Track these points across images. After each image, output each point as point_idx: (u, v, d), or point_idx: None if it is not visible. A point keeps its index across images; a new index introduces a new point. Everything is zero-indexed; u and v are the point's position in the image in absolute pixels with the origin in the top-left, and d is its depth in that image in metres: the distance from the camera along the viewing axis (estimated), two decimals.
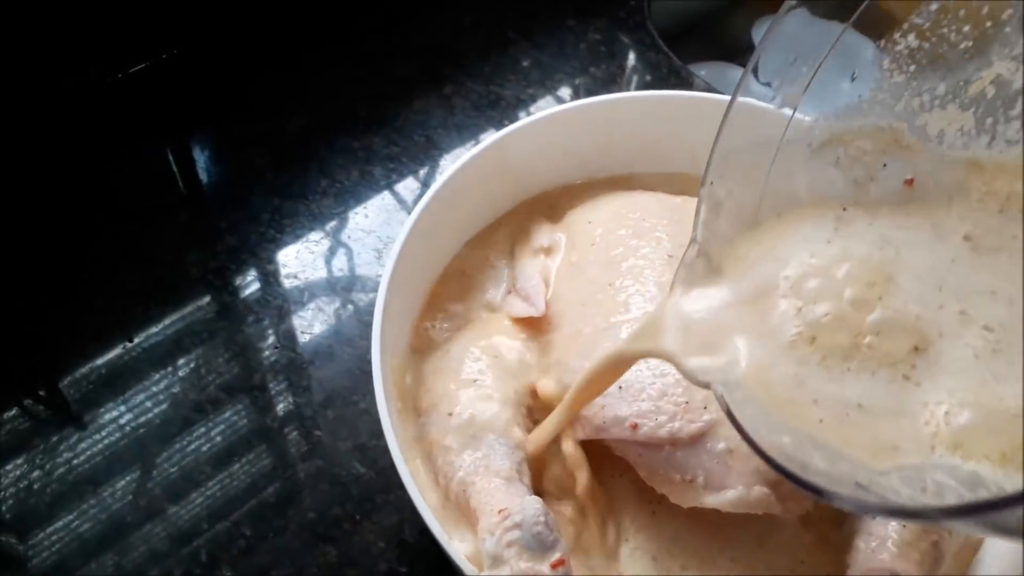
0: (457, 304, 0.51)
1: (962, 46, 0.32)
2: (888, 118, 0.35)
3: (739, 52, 0.95)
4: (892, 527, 0.41)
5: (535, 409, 0.45)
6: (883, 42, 0.34)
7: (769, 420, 0.31)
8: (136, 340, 0.56)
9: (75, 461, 0.51)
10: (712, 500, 0.39)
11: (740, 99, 0.35)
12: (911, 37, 0.33)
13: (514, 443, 0.41)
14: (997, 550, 0.41)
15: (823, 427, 0.30)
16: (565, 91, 0.77)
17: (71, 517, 0.48)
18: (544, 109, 0.56)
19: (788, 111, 0.35)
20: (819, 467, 0.29)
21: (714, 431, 0.39)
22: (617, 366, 0.39)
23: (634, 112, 0.57)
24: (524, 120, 0.54)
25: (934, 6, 0.32)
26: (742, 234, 0.36)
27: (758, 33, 0.90)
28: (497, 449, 0.41)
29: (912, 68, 0.34)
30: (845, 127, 0.35)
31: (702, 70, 0.89)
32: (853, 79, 0.35)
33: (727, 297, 0.35)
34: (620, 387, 0.42)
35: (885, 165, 0.35)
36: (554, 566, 0.34)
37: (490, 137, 0.52)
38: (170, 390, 0.54)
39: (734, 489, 0.38)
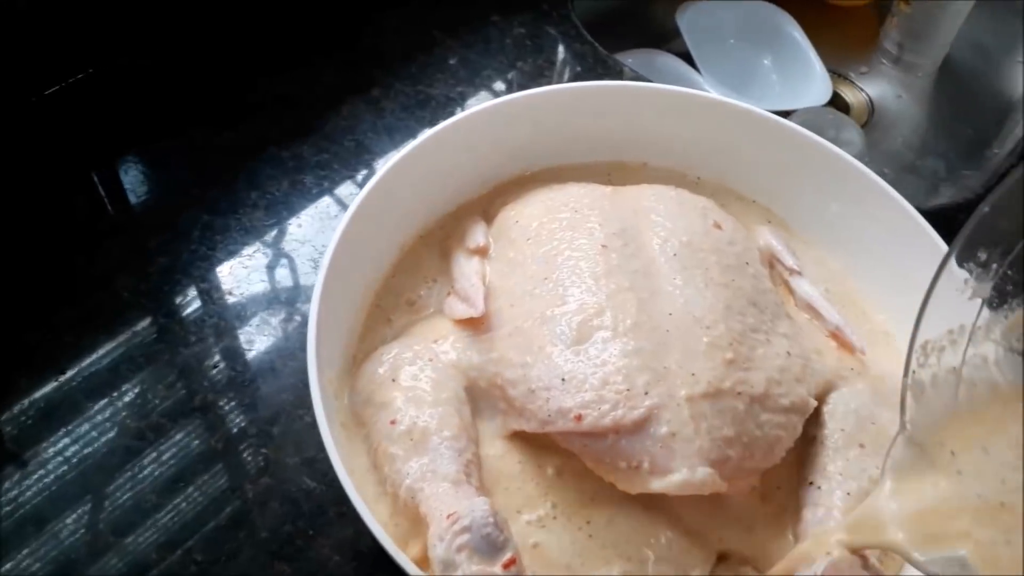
0: (395, 310, 0.51)
1: None
2: None
3: (664, 38, 0.96)
4: (837, 497, 0.41)
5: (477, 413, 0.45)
6: None
7: None
8: (69, 372, 0.54)
9: (20, 499, 0.49)
10: (658, 484, 0.39)
11: (936, 291, 0.35)
12: None
13: (460, 445, 0.41)
14: None
15: None
16: (494, 87, 0.77)
17: (21, 557, 0.46)
18: (474, 106, 0.55)
19: (979, 300, 0.36)
20: None
21: (656, 416, 0.40)
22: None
23: (560, 104, 0.57)
24: (451, 119, 0.54)
25: None
26: (945, 421, 0.36)
27: (682, 18, 0.90)
28: (443, 453, 0.40)
29: None
30: None
31: (629, 59, 0.89)
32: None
33: (946, 491, 0.35)
34: (563, 380, 0.42)
35: None
36: (506, 566, 0.34)
37: (418, 137, 0.52)
38: (113, 419, 0.52)
39: (679, 472, 0.39)
